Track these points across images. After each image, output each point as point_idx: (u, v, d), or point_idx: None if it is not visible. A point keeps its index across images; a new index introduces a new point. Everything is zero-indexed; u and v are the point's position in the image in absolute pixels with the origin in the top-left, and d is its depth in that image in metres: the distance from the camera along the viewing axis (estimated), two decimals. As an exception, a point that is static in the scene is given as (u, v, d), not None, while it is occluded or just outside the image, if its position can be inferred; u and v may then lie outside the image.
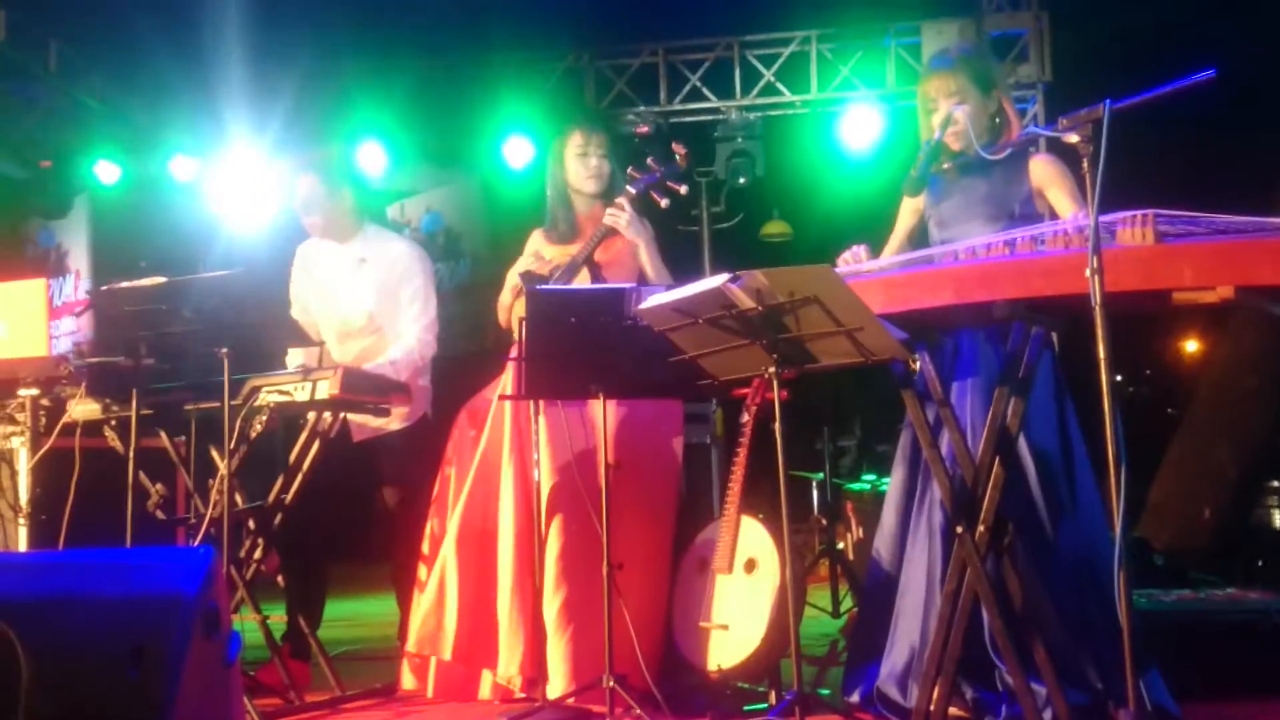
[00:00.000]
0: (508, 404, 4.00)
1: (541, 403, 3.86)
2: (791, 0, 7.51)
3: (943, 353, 3.46)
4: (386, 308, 4.44)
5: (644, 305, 3.25)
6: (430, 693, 4.04)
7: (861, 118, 7.59)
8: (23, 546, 4.08)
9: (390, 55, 7.89)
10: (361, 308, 4.45)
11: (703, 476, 4.75)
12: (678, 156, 4.15)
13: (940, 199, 3.59)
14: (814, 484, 7.13)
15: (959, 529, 3.09)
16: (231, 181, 7.96)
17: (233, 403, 3.79)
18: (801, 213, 9.78)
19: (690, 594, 3.79)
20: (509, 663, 3.85)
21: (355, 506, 4.60)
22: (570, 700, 3.64)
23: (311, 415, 4.10)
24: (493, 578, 3.95)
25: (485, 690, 3.97)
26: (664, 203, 4.14)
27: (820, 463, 6.70)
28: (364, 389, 4.00)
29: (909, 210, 3.73)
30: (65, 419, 4.04)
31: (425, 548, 4.20)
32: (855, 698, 3.49)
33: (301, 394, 3.91)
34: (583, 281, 4.09)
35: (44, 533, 3.98)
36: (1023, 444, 3.27)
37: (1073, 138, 2.65)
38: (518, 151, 7.76)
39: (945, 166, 3.55)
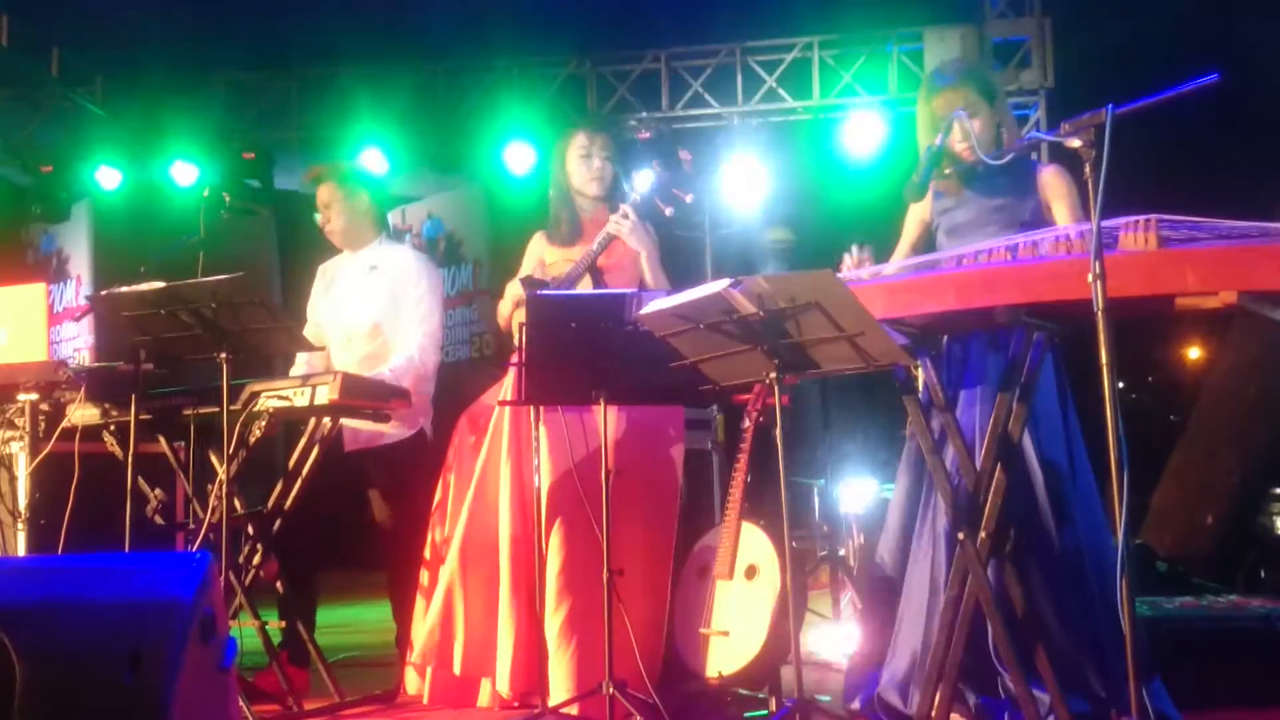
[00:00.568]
0: (508, 410, 3.99)
1: (542, 409, 3.85)
2: (794, 6, 7.48)
3: (945, 358, 3.46)
4: (391, 315, 4.44)
5: (645, 310, 3.24)
6: (426, 699, 4.02)
7: (864, 124, 7.58)
8: (22, 551, 4.07)
9: (391, 61, 7.88)
10: (368, 313, 4.44)
11: (704, 482, 4.73)
12: (684, 163, 4.14)
13: (948, 210, 3.59)
14: (815, 490, 7.12)
15: (961, 535, 3.08)
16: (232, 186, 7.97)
17: (232, 408, 3.78)
18: (803, 219, 9.77)
19: (691, 600, 3.78)
20: (504, 674, 3.84)
21: (349, 512, 4.58)
22: (571, 708, 3.63)
23: (311, 421, 4.09)
24: (496, 587, 3.94)
25: (484, 698, 3.96)
26: (668, 211, 4.13)
27: (822, 469, 6.68)
28: (363, 394, 3.99)
29: (914, 220, 3.72)
30: (64, 424, 4.04)
31: (427, 554, 4.18)
32: (856, 704, 3.49)
33: (301, 399, 3.90)
34: (585, 287, 4.08)
35: (43, 538, 3.98)
36: (1025, 450, 3.27)
37: (1075, 142, 2.65)
38: (519, 157, 7.75)
39: (947, 172, 3.54)
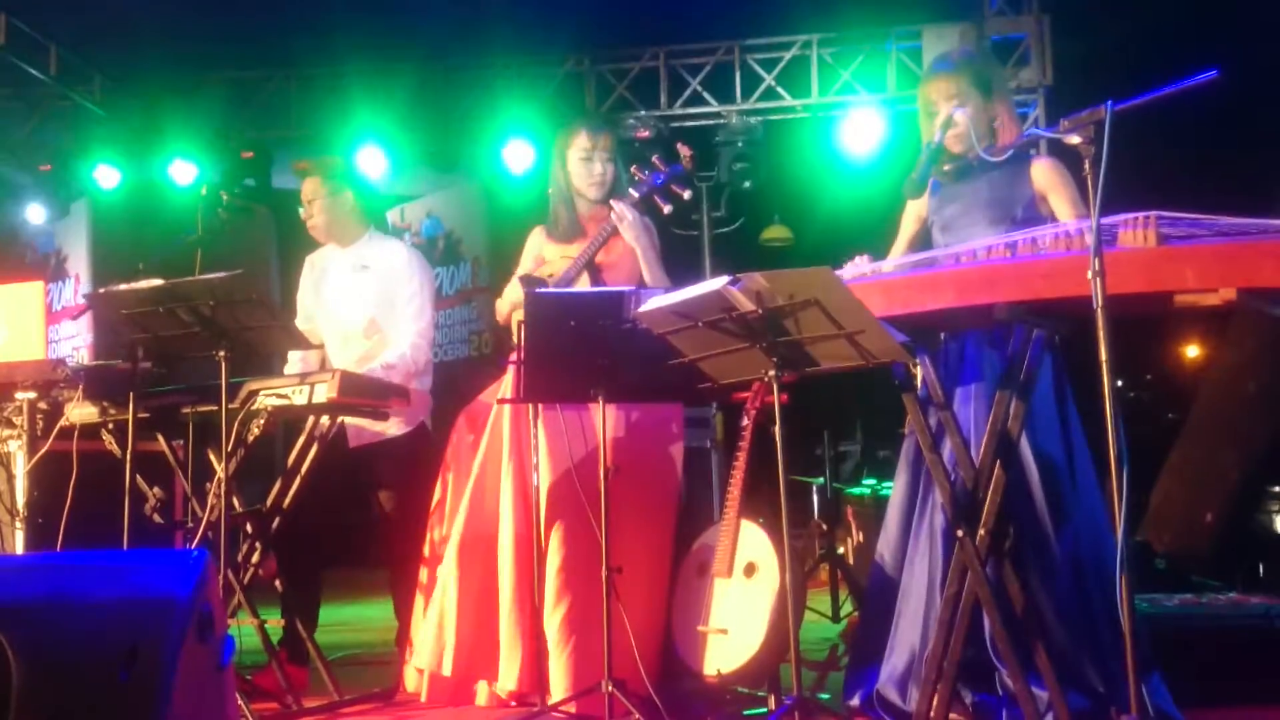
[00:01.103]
0: (507, 408, 3.99)
1: (540, 407, 3.84)
2: (792, 4, 7.47)
3: (944, 356, 3.46)
4: (385, 312, 4.44)
5: (643, 308, 3.23)
6: (425, 698, 4.02)
7: (862, 122, 7.58)
8: (20, 550, 4.07)
9: (390, 59, 7.88)
10: (362, 312, 4.44)
11: (702, 480, 4.72)
12: (683, 158, 4.12)
13: (943, 204, 3.58)
14: (814, 488, 7.12)
15: (960, 533, 3.08)
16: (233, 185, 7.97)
17: (230, 406, 3.78)
18: (802, 217, 9.77)
19: (689, 598, 3.77)
20: (508, 676, 3.84)
21: (351, 512, 4.58)
22: (569, 706, 3.63)
23: (310, 419, 4.09)
24: (494, 587, 3.94)
25: (481, 697, 3.95)
26: (667, 209, 4.11)
27: (821, 467, 6.69)
28: (362, 392, 3.98)
29: (912, 217, 3.72)
30: (62, 422, 4.04)
31: (426, 552, 4.18)
32: (855, 701, 3.48)
33: (299, 398, 3.89)
34: (583, 284, 4.07)
35: (41, 536, 3.97)
36: (1024, 447, 3.26)
37: (1074, 139, 2.64)
38: (518, 156, 7.75)
39: (945, 168, 3.54)
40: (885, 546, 3.57)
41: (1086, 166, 2.62)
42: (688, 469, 4.16)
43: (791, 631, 3.16)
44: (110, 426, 4.08)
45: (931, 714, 3.12)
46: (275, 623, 4.19)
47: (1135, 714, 2.53)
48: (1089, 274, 2.55)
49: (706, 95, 7.89)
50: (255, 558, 4.12)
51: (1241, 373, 7.60)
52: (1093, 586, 3.25)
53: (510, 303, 4.15)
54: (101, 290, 3.87)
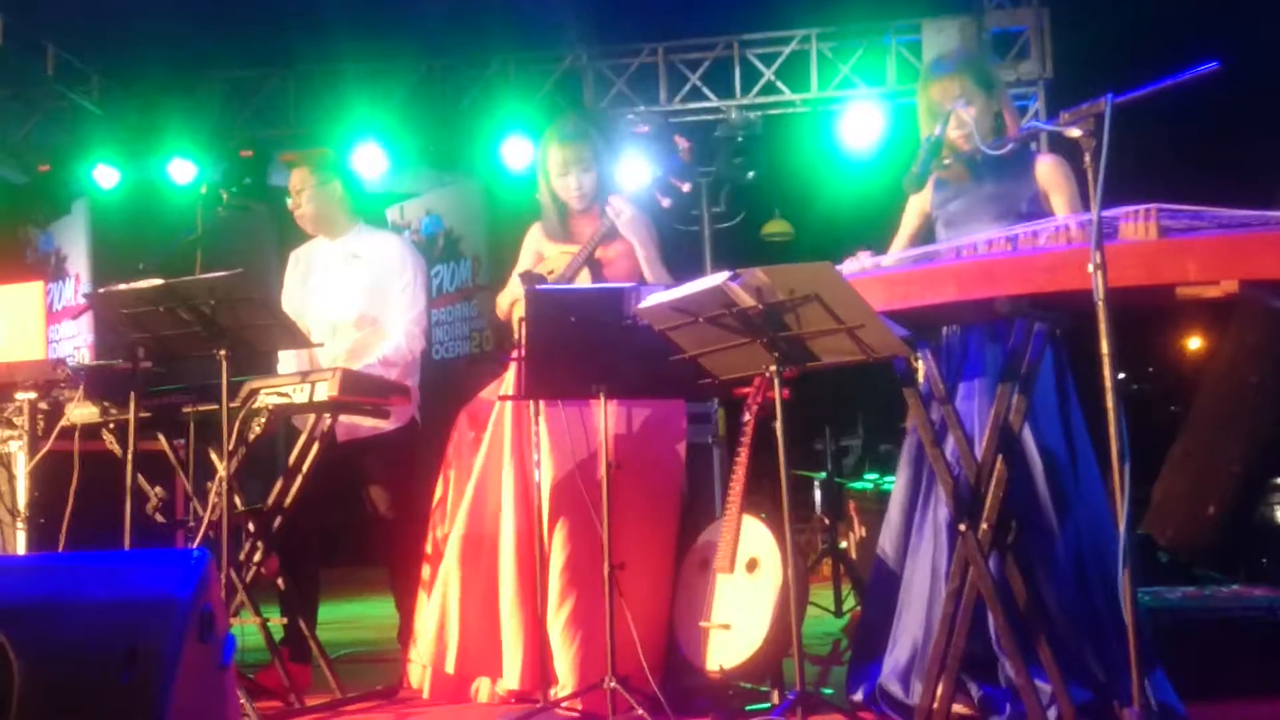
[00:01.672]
0: (509, 406, 3.98)
1: (542, 404, 3.84)
2: (791, -1, 7.49)
3: (945, 350, 3.45)
4: (377, 303, 4.44)
5: (644, 304, 3.23)
6: (427, 694, 4.02)
7: (862, 116, 7.57)
8: (22, 551, 4.06)
9: (388, 58, 7.88)
10: (352, 302, 4.44)
11: (704, 476, 4.73)
12: (680, 150, 4.11)
13: (946, 200, 3.58)
14: (816, 483, 7.12)
15: (962, 527, 3.08)
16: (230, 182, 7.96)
17: (231, 405, 3.77)
18: (802, 212, 9.77)
19: (692, 594, 3.77)
20: (510, 674, 3.83)
21: (344, 509, 4.58)
22: (573, 702, 3.63)
23: (310, 418, 4.08)
24: (496, 585, 3.93)
25: (483, 694, 3.95)
26: (666, 202, 4.10)
27: (822, 462, 6.68)
28: (363, 390, 3.98)
29: (914, 212, 3.72)
30: (63, 422, 4.03)
31: (429, 549, 4.18)
32: (859, 695, 3.48)
33: (300, 396, 3.89)
34: (584, 281, 4.07)
35: (43, 537, 3.97)
36: (1027, 441, 3.26)
37: (1075, 132, 2.64)
38: (517, 153, 7.74)
39: (947, 162, 3.54)
40: (888, 541, 3.56)
41: (1087, 159, 2.62)
42: (689, 465, 4.15)
43: (794, 626, 3.16)
44: (111, 426, 4.08)
45: (935, 707, 3.12)
46: (277, 621, 4.19)
47: (1138, 707, 2.52)
48: (1090, 267, 2.55)
49: (706, 90, 7.88)
50: (257, 556, 4.11)
51: (1244, 365, 7.59)
52: (1095, 580, 3.25)
53: (511, 297, 4.14)
54: (101, 290, 3.86)
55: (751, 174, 7.82)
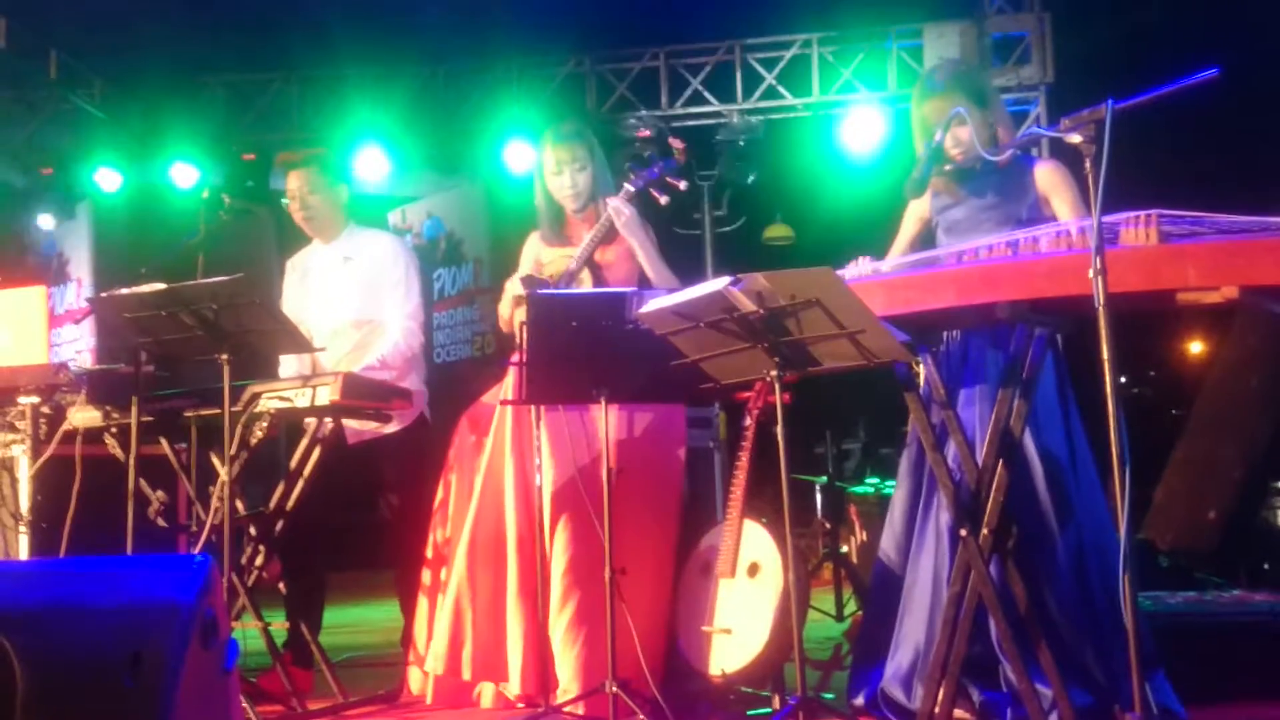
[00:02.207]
0: (510, 410, 3.99)
1: (543, 408, 3.84)
2: (792, 3, 7.47)
3: (946, 355, 3.46)
4: (373, 302, 4.46)
5: (645, 309, 3.23)
6: (430, 699, 4.02)
7: (863, 120, 7.57)
8: (24, 555, 4.07)
9: (391, 62, 7.88)
10: (348, 304, 4.46)
11: (705, 480, 4.72)
12: (675, 151, 4.13)
13: (946, 208, 3.59)
14: (817, 487, 7.12)
15: (963, 531, 3.08)
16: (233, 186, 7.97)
17: (233, 409, 3.78)
18: (804, 216, 9.77)
19: (693, 598, 3.78)
20: (515, 676, 3.84)
21: (354, 511, 4.58)
22: (574, 706, 3.63)
23: (312, 421, 4.09)
24: (503, 589, 3.94)
25: (486, 699, 3.95)
26: (664, 200, 4.11)
27: (823, 466, 6.68)
28: (364, 394, 3.99)
29: (913, 218, 3.72)
30: (66, 426, 4.03)
31: (429, 554, 4.18)
32: (860, 700, 3.48)
33: (302, 400, 3.90)
34: (585, 284, 4.08)
35: (45, 541, 3.97)
36: (1027, 446, 3.27)
37: (1075, 138, 2.64)
38: (519, 156, 7.74)
39: (947, 168, 3.54)
40: (889, 547, 3.57)
41: (1088, 165, 2.62)
42: (691, 469, 4.16)
43: (795, 631, 3.16)
44: (113, 430, 4.08)
45: (936, 711, 3.12)
46: (280, 625, 4.19)
47: (1139, 711, 2.53)
48: (1091, 272, 2.56)
49: (707, 95, 7.88)
50: (259, 560, 4.12)
51: (1244, 369, 7.58)
52: (1096, 584, 3.25)
53: (512, 297, 4.13)
54: (104, 294, 3.86)
55: (752, 178, 7.82)
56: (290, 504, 4.11)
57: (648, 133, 7.66)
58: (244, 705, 3.47)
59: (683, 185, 4.13)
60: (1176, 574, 5.48)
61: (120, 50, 7.67)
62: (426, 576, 4.17)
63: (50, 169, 8.41)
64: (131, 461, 3.82)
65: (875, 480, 7.27)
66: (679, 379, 3.35)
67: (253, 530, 4.13)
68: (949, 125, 3.43)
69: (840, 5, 7.44)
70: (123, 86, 8.22)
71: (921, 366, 3.31)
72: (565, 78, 8.03)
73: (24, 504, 4.11)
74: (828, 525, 6.51)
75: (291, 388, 3.93)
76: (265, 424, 3.97)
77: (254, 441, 4.00)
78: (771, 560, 3.60)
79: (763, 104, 7.85)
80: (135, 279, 3.88)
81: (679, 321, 3.15)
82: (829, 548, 6.26)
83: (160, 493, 4.13)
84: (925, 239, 3.68)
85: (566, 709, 3.64)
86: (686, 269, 4.32)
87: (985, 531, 3.05)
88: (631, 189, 4.07)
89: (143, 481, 3.93)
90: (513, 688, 3.84)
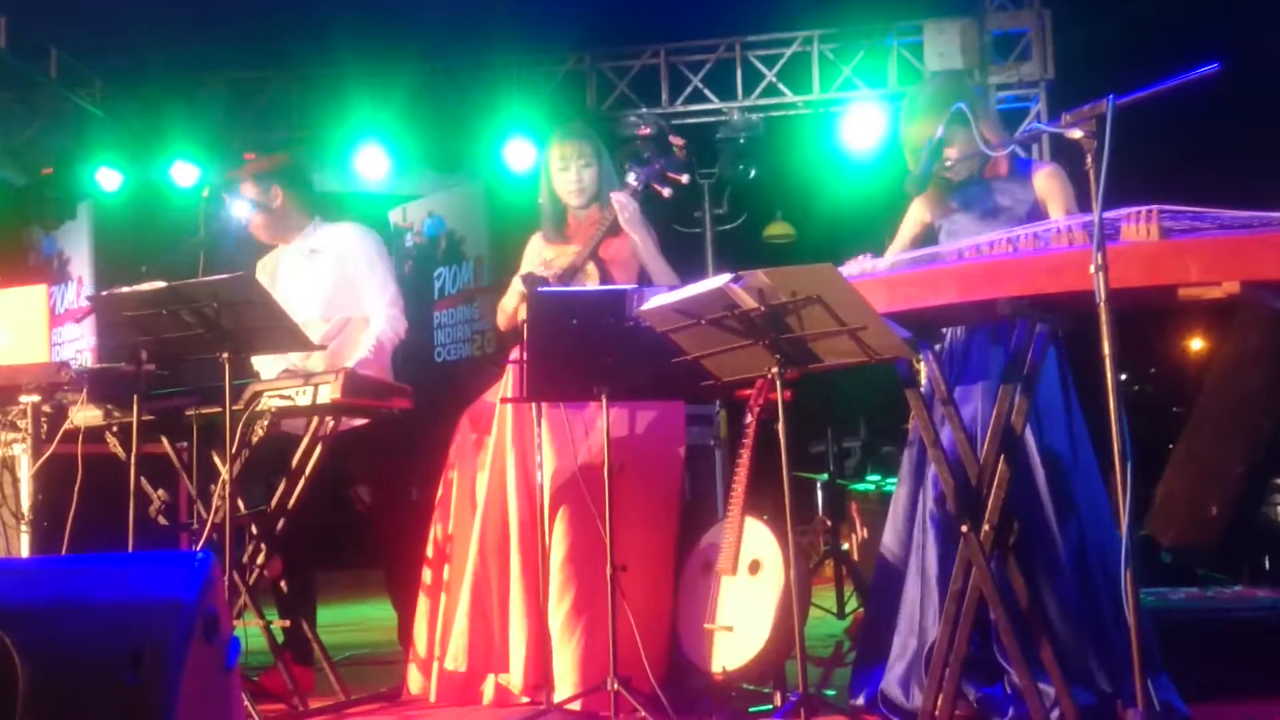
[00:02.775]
0: (510, 407, 3.99)
1: (544, 406, 3.84)
2: (792, 1, 7.47)
3: (947, 352, 3.46)
4: (344, 292, 4.46)
5: (646, 306, 3.24)
6: (434, 697, 4.02)
7: (864, 118, 7.56)
8: (25, 554, 4.07)
9: (391, 60, 7.88)
10: (316, 296, 4.47)
11: (706, 478, 4.72)
12: (675, 148, 4.15)
13: (949, 213, 3.59)
14: (818, 485, 7.11)
15: (964, 528, 3.08)
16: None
17: (234, 408, 3.78)
18: (804, 214, 9.76)
19: (695, 596, 3.77)
20: (519, 671, 3.84)
21: (330, 507, 4.57)
22: (575, 704, 3.63)
23: (314, 420, 4.08)
24: (507, 586, 3.94)
25: (489, 695, 3.95)
26: (666, 192, 4.13)
27: (824, 463, 6.68)
28: (365, 393, 3.98)
29: (914, 220, 3.72)
30: (67, 425, 4.03)
31: (429, 552, 4.18)
32: (860, 700, 3.48)
33: (303, 399, 3.90)
34: (590, 279, 4.08)
35: (46, 539, 3.97)
36: (1028, 442, 3.26)
37: (1076, 133, 2.64)
38: (519, 155, 7.74)
39: (947, 165, 3.53)
40: (888, 549, 3.58)
41: (1088, 160, 2.62)
42: (692, 467, 4.16)
43: (797, 628, 3.16)
44: (114, 429, 4.09)
45: (937, 711, 3.12)
46: (280, 624, 4.19)
47: (1141, 708, 2.53)
48: (1092, 268, 2.56)
49: (708, 92, 7.88)
50: (260, 559, 4.12)
51: (1246, 366, 7.58)
52: (1098, 581, 3.25)
53: (518, 295, 4.13)
54: (105, 293, 3.87)
55: (752, 172, 7.81)
56: (291, 503, 4.10)
57: (648, 130, 7.66)
58: (245, 704, 3.47)
59: (684, 179, 4.14)
60: (1178, 571, 5.49)
61: (120, 49, 7.67)
62: (427, 575, 4.17)
63: (51, 168, 8.40)
64: (133, 460, 3.82)
65: (876, 477, 7.26)
66: (680, 376, 3.35)
67: (254, 529, 4.13)
68: (950, 121, 3.42)
69: (841, 2, 7.44)
70: (123, 85, 8.21)
71: (923, 363, 3.31)
72: (565, 75, 8.03)
73: (25, 503, 4.11)
74: (829, 523, 6.50)
75: (292, 386, 3.93)
76: (266, 422, 3.97)
77: (255, 440, 3.99)
78: (773, 557, 3.60)
79: (763, 101, 7.84)
80: (136, 277, 3.88)
81: (680, 318, 3.15)
82: (830, 545, 6.25)
83: (161, 491, 4.13)
84: (925, 240, 3.68)
85: (568, 706, 3.64)
86: (687, 267, 4.32)
87: (986, 528, 3.05)
88: (634, 184, 4.09)
89: (144, 480, 3.93)
90: (514, 681, 3.84)
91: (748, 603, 3.62)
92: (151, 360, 3.93)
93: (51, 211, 8.81)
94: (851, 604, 5.79)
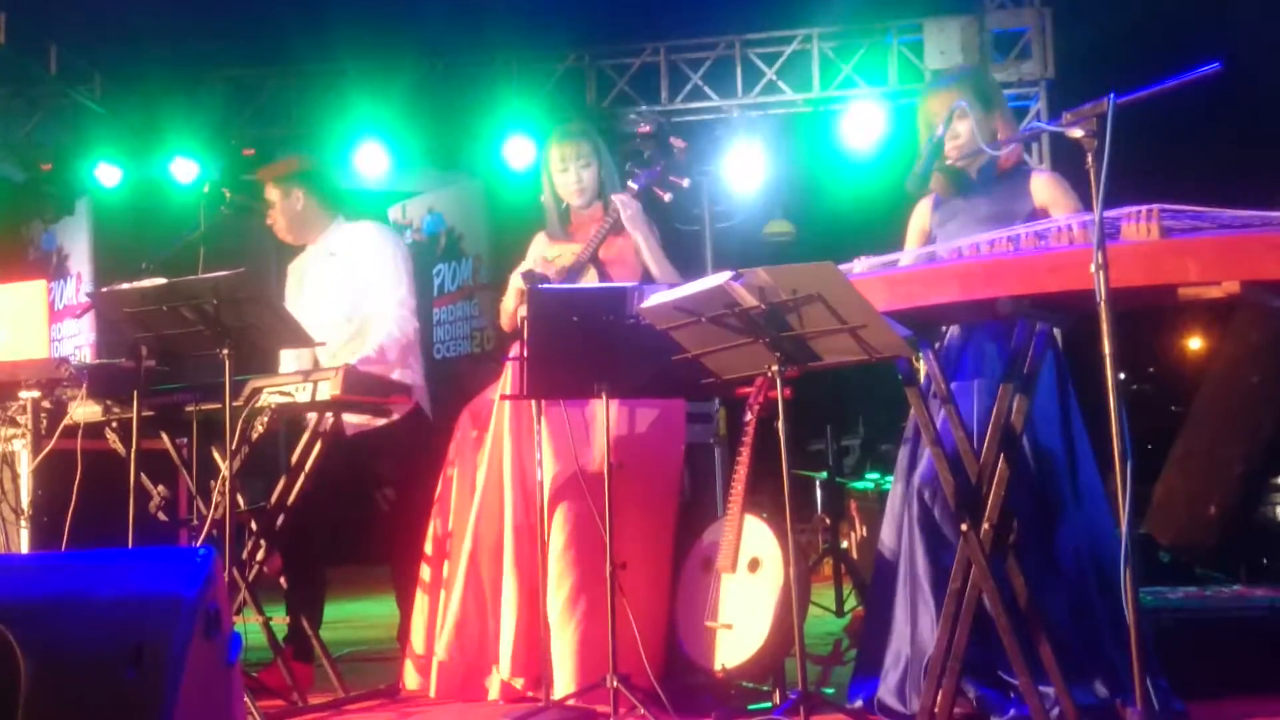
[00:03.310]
0: (509, 404, 3.99)
1: (543, 403, 3.85)
2: (793, -2, 7.50)
3: (947, 350, 3.46)
4: (361, 294, 4.47)
5: (646, 304, 3.24)
6: (433, 693, 4.02)
7: (864, 116, 7.56)
8: (25, 549, 4.07)
9: (390, 56, 7.88)
10: (339, 300, 4.48)
11: (706, 476, 4.72)
12: (676, 150, 4.15)
13: (945, 220, 3.60)
14: (817, 483, 7.12)
15: (964, 527, 3.08)
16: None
17: (234, 404, 3.78)
18: (804, 211, 9.76)
19: (694, 594, 3.78)
20: (504, 659, 3.84)
21: (353, 505, 4.58)
22: (574, 700, 3.63)
23: (313, 416, 4.09)
24: (500, 581, 3.94)
25: (493, 690, 3.95)
26: (667, 196, 4.14)
27: (824, 461, 6.68)
28: (365, 389, 3.99)
29: (916, 231, 3.73)
30: (66, 421, 4.03)
31: (429, 549, 4.18)
32: (858, 704, 3.48)
33: (303, 395, 3.90)
34: (590, 279, 4.09)
35: (46, 535, 3.98)
36: (1027, 441, 3.26)
37: (1077, 132, 2.64)
38: (519, 152, 7.74)
39: (948, 162, 3.54)
40: (885, 545, 3.58)
41: (1089, 159, 2.62)
42: (691, 465, 4.16)
43: (796, 626, 3.16)
44: (114, 425, 4.09)
45: (936, 710, 3.12)
46: (280, 620, 4.19)
47: (1140, 707, 2.53)
48: (1092, 267, 2.56)
49: (707, 90, 7.88)
50: (260, 555, 4.12)
51: (1245, 365, 7.58)
52: (1096, 580, 3.25)
53: (518, 291, 4.13)
54: (104, 289, 3.87)
55: (752, 172, 7.81)
56: (291, 498, 4.11)
57: (648, 128, 7.65)
58: (245, 700, 3.47)
59: (685, 182, 4.15)
60: (1177, 569, 5.49)
61: (120, 45, 7.67)
62: (425, 572, 4.17)
63: (50, 164, 8.40)
64: (132, 456, 3.82)
65: (875, 476, 7.27)
66: (680, 374, 3.35)
67: (254, 525, 4.14)
68: (950, 120, 3.43)
69: (840, 0, 7.44)
70: (122, 82, 8.21)
71: (922, 361, 3.31)
72: (565, 73, 8.03)
73: (25, 498, 4.12)
74: (828, 520, 6.51)
75: (292, 382, 3.93)
76: (266, 418, 3.97)
77: (255, 436, 4.00)
78: (772, 555, 3.61)
79: (763, 99, 7.84)
80: (135, 274, 3.88)
81: (680, 316, 3.15)
82: (829, 543, 6.26)
83: (161, 487, 4.13)
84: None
85: (568, 703, 3.64)
86: (687, 265, 4.33)
87: (985, 527, 3.05)
88: (636, 186, 4.10)
89: (144, 476, 3.93)
90: (502, 668, 3.85)
91: (747, 600, 3.62)
92: (151, 356, 3.93)
93: (50, 207, 8.81)
94: (850, 602, 5.80)
